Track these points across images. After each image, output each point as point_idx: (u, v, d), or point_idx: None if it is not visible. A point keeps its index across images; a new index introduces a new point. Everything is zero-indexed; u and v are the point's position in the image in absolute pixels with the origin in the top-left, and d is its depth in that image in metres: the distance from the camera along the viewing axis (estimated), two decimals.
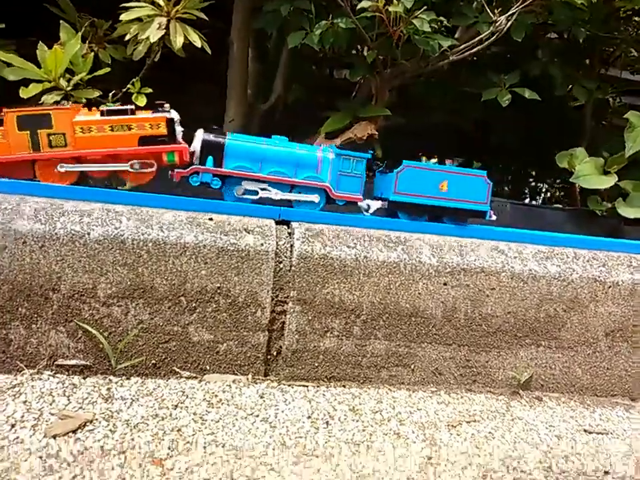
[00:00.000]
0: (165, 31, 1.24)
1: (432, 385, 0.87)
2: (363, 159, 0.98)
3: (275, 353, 0.84)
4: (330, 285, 0.86)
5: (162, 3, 1.24)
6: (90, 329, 0.77)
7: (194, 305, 0.82)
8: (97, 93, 1.25)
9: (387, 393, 0.82)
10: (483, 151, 1.92)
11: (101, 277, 0.79)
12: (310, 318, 0.85)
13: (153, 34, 1.24)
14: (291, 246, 0.87)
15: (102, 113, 0.84)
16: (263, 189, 0.95)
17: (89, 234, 0.80)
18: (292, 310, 0.85)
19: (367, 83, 1.59)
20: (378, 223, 0.98)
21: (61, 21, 1.26)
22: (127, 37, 1.25)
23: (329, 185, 0.97)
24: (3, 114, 0.83)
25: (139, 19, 1.25)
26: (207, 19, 1.29)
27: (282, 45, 1.61)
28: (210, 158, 0.92)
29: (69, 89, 1.21)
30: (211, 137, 0.92)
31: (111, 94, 1.26)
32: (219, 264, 0.83)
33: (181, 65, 1.41)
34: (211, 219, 0.87)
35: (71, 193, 0.87)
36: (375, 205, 1.01)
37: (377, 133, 1.52)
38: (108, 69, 1.25)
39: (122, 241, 0.80)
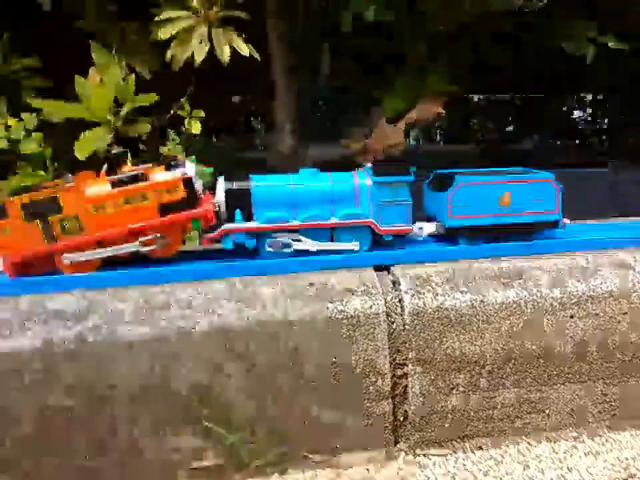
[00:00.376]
0: (208, 44, 1.13)
1: (571, 428, 0.82)
2: (406, 183, 0.85)
3: (401, 419, 0.81)
4: (448, 339, 0.80)
5: (196, 5, 1.12)
6: (216, 427, 0.75)
7: (313, 383, 0.78)
8: (147, 127, 1.17)
9: (528, 449, 0.77)
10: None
11: (217, 374, 0.76)
12: (432, 377, 0.80)
13: (197, 51, 1.13)
14: (400, 301, 0.81)
15: (113, 184, 0.74)
16: (295, 240, 0.84)
17: (194, 328, 0.76)
18: (413, 372, 0.80)
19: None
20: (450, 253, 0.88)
21: (90, 41, 1.13)
22: (168, 56, 1.15)
23: (372, 221, 0.85)
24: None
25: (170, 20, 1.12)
26: (248, 17, 1.16)
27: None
28: (238, 212, 0.81)
29: (118, 123, 1.14)
30: (234, 185, 0.82)
31: (167, 147, 1.15)
32: (331, 335, 0.78)
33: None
34: (311, 284, 0.82)
35: (157, 277, 0.81)
36: (429, 228, 0.90)
37: (444, 111, 1.39)
38: (156, 97, 1.15)
39: (230, 330, 0.76)
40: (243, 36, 1.14)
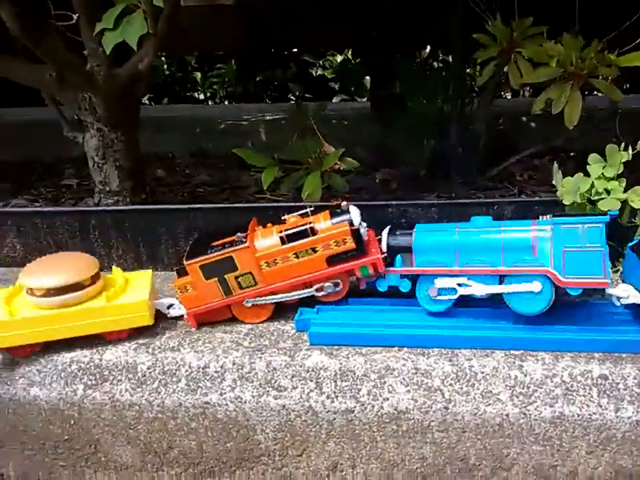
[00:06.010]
0: None
1: None
2: (599, 224, 0.66)
3: None
4: None
5: None
6: None
7: None
8: None
9: None
10: None
11: None
12: None
13: None
14: None
15: (282, 240, 0.77)
16: (460, 285, 0.73)
17: None
18: None
19: None
20: None
21: None
22: None
23: (551, 270, 0.66)
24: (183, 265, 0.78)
25: None
26: None
27: None
28: (399, 258, 0.77)
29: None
30: (397, 238, 0.77)
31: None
32: None
33: None
34: None
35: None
36: (637, 297, 0.70)
37: None
38: None
39: None
40: None
